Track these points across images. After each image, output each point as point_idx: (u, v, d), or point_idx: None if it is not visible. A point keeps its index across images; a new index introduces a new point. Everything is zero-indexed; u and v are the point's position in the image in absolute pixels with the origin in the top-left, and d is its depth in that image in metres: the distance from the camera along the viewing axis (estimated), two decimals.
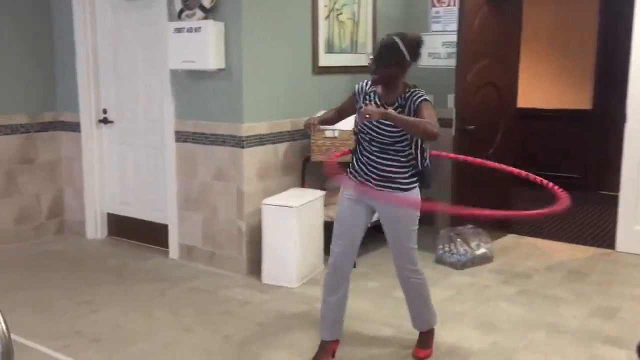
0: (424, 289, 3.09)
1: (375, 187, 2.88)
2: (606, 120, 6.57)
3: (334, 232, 3.03)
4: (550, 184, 2.94)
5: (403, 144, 2.82)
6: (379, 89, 2.91)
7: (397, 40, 2.77)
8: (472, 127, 4.68)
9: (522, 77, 6.90)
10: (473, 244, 4.57)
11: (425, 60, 5.47)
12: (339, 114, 3.16)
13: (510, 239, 5.21)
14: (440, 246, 4.60)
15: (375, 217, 3.04)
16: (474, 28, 4.61)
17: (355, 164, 2.96)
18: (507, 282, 4.18)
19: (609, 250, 4.86)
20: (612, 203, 5.04)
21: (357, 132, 2.92)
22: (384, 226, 3.00)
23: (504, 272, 4.39)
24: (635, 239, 4.73)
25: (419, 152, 2.86)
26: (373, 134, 2.84)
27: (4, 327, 1.75)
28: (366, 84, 2.96)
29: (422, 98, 2.81)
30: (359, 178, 2.93)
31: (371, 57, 2.86)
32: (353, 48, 5.02)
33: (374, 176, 2.88)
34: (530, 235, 5.30)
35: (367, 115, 2.59)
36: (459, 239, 4.57)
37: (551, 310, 3.71)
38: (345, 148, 3.87)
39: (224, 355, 3.16)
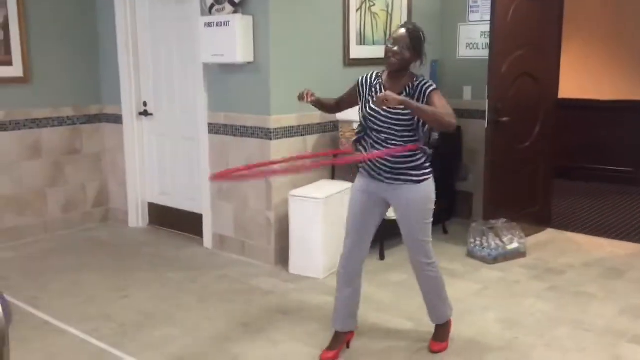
0: (439, 282, 3.07)
1: (386, 181, 2.88)
2: None
3: (346, 227, 3.04)
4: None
5: (411, 133, 2.80)
6: (385, 79, 2.89)
7: (421, 31, 2.89)
8: (506, 119, 4.57)
9: (570, 67, 6.70)
10: (505, 239, 4.48)
11: (462, 51, 5.39)
12: (338, 105, 3.17)
13: (548, 233, 5.08)
14: (472, 240, 4.54)
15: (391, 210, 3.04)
16: (508, 17, 4.49)
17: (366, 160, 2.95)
18: (538, 278, 4.09)
19: None
20: None
21: (365, 122, 2.91)
22: (398, 219, 2.99)
23: (537, 267, 4.29)
24: None
25: (421, 133, 2.82)
26: (383, 123, 2.82)
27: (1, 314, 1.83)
28: (371, 77, 2.96)
29: (432, 87, 2.79)
30: (371, 172, 2.92)
31: (392, 41, 2.84)
32: (386, 40, 4.97)
33: (384, 168, 2.87)
34: (570, 231, 5.15)
35: (386, 101, 2.59)
36: (491, 233, 4.49)
37: (579, 307, 3.61)
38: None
39: (242, 342, 3.23)
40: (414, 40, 2.82)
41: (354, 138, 3.03)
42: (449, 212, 5.25)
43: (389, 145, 2.83)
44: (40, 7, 4.95)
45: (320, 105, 3.17)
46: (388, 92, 2.64)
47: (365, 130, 2.92)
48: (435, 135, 2.92)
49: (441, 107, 2.71)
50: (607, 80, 6.94)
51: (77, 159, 5.35)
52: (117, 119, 5.34)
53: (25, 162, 5.01)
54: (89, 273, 4.28)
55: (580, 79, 6.98)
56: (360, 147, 2.96)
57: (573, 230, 5.15)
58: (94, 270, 4.33)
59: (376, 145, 2.87)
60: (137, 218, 5.40)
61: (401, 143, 2.82)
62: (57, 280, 4.12)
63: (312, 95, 3.01)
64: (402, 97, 2.66)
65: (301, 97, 3.01)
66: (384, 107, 2.74)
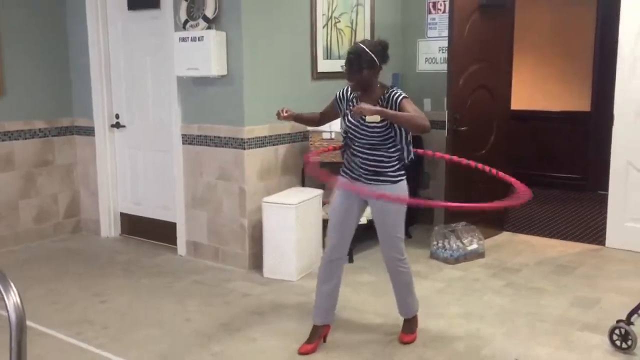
0: (409, 278, 3.32)
1: (366, 181, 3.12)
2: (604, 122, 6.71)
3: (328, 226, 3.27)
4: (513, 179, 3.15)
5: (389, 141, 3.06)
6: (359, 94, 3.14)
7: (363, 46, 3.03)
8: (464, 128, 4.89)
9: (523, 80, 7.13)
10: (466, 240, 4.77)
11: (422, 65, 5.71)
12: (322, 118, 3.43)
13: (504, 236, 5.41)
14: (435, 242, 4.81)
15: (367, 214, 3.28)
16: (464, 34, 4.83)
17: (347, 163, 3.20)
18: (496, 276, 4.39)
19: (599, 247, 5.04)
20: (607, 202, 5.20)
21: (345, 134, 3.16)
22: (374, 216, 3.24)
23: (494, 266, 4.59)
24: (623, 235, 4.90)
25: (404, 145, 3.09)
26: (361, 134, 3.07)
27: (19, 301, 1.98)
28: (346, 90, 3.21)
29: (402, 96, 3.04)
30: (352, 174, 3.17)
31: (343, 66, 3.10)
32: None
33: (364, 172, 3.12)
34: (524, 233, 5.49)
35: (361, 112, 2.83)
36: (452, 235, 4.78)
37: (534, 301, 3.91)
38: (327, 146, 4.14)
39: (222, 340, 3.41)
40: (359, 60, 3.02)
41: (341, 149, 3.27)
42: (412, 218, 5.53)
43: (371, 155, 3.07)
44: (12, 20, 5.04)
45: (300, 119, 3.45)
46: (363, 104, 2.89)
47: (347, 142, 3.16)
48: (412, 155, 3.16)
49: (413, 111, 2.96)
50: (555, 93, 7.40)
51: (49, 171, 5.43)
52: (89, 131, 5.44)
53: None
54: (65, 281, 4.37)
55: (531, 91, 7.42)
56: (345, 156, 3.21)
57: (527, 233, 5.50)
58: (69, 279, 4.42)
59: (358, 155, 3.11)
60: (110, 228, 5.50)
61: (383, 153, 3.06)
62: (34, 289, 4.20)
63: (287, 111, 3.26)
64: (376, 107, 2.91)
65: (278, 115, 3.27)
66: (361, 120, 3.00)
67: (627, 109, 4.78)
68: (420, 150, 3.49)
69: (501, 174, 3.26)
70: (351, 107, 3.11)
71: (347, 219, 3.22)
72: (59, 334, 3.49)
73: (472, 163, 3.46)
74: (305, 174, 4.75)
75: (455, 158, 3.66)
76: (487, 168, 3.40)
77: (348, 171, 3.20)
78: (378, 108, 2.90)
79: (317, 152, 3.96)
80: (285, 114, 3.29)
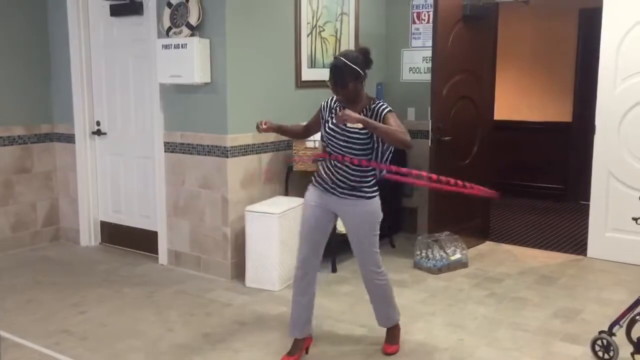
0: (387, 289, 3.29)
1: (340, 195, 3.09)
2: (585, 132, 6.79)
3: (300, 236, 3.23)
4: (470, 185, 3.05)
5: (367, 151, 3.03)
6: (343, 104, 3.12)
7: (344, 60, 2.99)
8: (447, 138, 4.90)
9: (506, 91, 7.19)
10: (449, 250, 4.77)
11: (406, 74, 5.73)
12: (307, 130, 3.39)
13: (487, 245, 5.42)
14: (418, 252, 4.81)
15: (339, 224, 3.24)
16: (447, 45, 4.85)
17: (322, 172, 3.15)
18: (479, 286, 4.39)
19: (580, 257, 5.07)
20: (588, 212, 5.24)
21: (325, 143, 3.14)
22: (348, 231, 3.20)
23: (477, 276, 4.59)
24: (604, 245, 4.94)
25: (379, 158, 3.06)
26: (341, 140, 3.04)
27: None
28: (331, 100, 3.18)
29: (387, 109, 3.03)
30: (325, 186, 3.13)
31: (327, 82, 3.07)
32: None
33: (340, 184, 3.08)
34: (507, 243, 5.51)
35: (345, 118, 2.80)
36: (435, 245, 4.78)
37: (516, 311, 3.91)
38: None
39: (203, 351, 3.36)
40: (342, 75, 2.98)
41: (317, 158, 3.23)
42: (396, 227, 5.53)
43: (350, 169, 3.04)
44: None
45: (282, 131, 3.40)
46: (347, 110, 2.86)
47: (325, 151, 3.14)
48: (383, 174, 3.13)
49: (396, 126, 2.94)
50: (537, 104, 7.46)
51: (28, 178, 5.34)
52: (69, 138, 5.37)
53: None
54: (44, 291, 4.28)
55: (514, 102, 7.48)
56: (320, 166, 3.18)
57: (509, 242, 5.52)
58: (48, 288, 4.34)
59: (335, 165, 3.08)
60: (89, 237, 5.42)
61: (361, 167, 3.03)
62: (10, 299, 4.12)
63: (267, 123, 3.20)
64: (360, 116, 2.89)
65: (258, 128, 3.21)
66: (342, 126, 2.97)
67: (608, 120, 4.82)
68: (393, 177, 3.29)
69: (463, 183, 3.11)
70: (333, 114, 3.09)
71: (318, 231, 3.18)
72: (36, 345, 3.41)
73: (445, 187, 3.23)
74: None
75: (429, 185, 3.44)
76: (452, 181, 3.19)
77: (322, 182, 3.16)
78: (362, 117, 2.88)
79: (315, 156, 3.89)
80: (264, 126, 3.20)
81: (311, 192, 3.23)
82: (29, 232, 5.38)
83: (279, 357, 3.22)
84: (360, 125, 2.93)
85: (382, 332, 3.40)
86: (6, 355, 3.26)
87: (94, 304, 4.04)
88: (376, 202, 3.13)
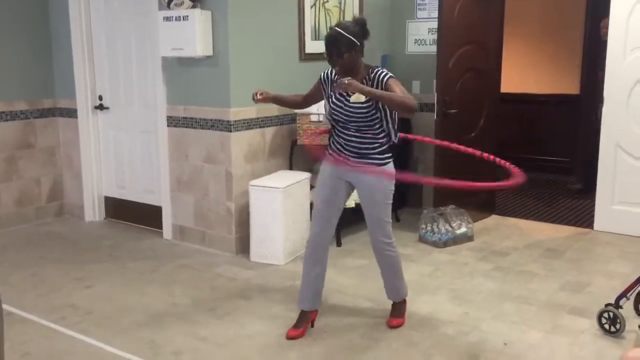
0: (397, 262, 3.28)
1: (353, 164, 3.06)
2: (593, 105, 6.70)
3: (313, 211, 3.21)
4: (507, 163, 3.08)
5: (374, 122, 2.99)
6: (342, 75, 3.06)
7: (339, 30, 2.94)
8: (454, 110, 4.84)
9: (513, 63, 7.08)
10: (454, 224, 4.74)
11: (411, 46, 5.64)
12: (306, 100, 3.35)
13: (492, 219, 5.39)
14: (423, 226, 4.78)
15: (355, 197, 3.21)
16: (454, 15, 4.76)
17: (333, 144, 3.13)
18: (485, 259, 4.36)
19: (587, 230, 5.04)
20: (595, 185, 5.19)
21: (330, 116, 3.09)
22: (361, 199, 3.18)
23: (483, 250, 4.57)
24: (611, 218, 4.90)
25: (390, 127, 3.02)
26: (346, 115, 3.00)
27: None
28: (331, 72, 3.13)
29: (388, 75, 2.97)
30: (338, 153, 3.10)
31: (324, 54, 3.02)
32: None
33: (350, 154, 3.05)
34: (513, 216, 5.48)
35: (346, 85, 2.75)
36: (441, 219, 4.75)
37: (523, 284, 3.89)
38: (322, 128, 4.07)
39: (209, 325, 3.36)
40: (338, 45, 2.93)
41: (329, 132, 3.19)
42: (401, 201, 5.49)
43: (357, 137, 3.00)
44: None
45: (279, 102, 3.37)
46: (350, 79, 2.80)
47: (333, 125, 3.09)
48: (397, 138, 3.10)
49: (400, 92, 2.89)
50: (545, 76, 7.35)
51: (31, 154, 5.31)
52: (71, 113, 5.32)
53: None
54: (48, 266, 4.29)
55: (521, 74, 7.37)
56: (332, 142, 3.14)
57: (515, 216, 5.48)
58: (53, 263, 4.34)
59: (344, 137, 3.04)
60: (94, 212, 5.41)
61: (368, 135, 3.00)
62: (16, 274, 4.12)
63: (262, 93, 3.17)
64: (365, 87, 2.84)
65: (253, 98, 3.18)
66: (345, 102, 2.93)
67: (616, 91, 4.75)
68: (410, 136, 3.39)
69: (498, 159, 3.18)
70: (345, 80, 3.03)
71: (332, 203, 3.16)
72: (42, 320, 3.42)
73: (462, 148, 3.38)
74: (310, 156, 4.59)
75: (446, 143, 3.54)
76: (479, 153, 3.31)
77: (335, 153, 3.13)
78: (366, 87, 2.83)
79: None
80: (259, 97, 3.18)
81: (325, 164, 3.20)
82: (34, 207, 5.37)
83: (284, 330, 3.23)
84: (362, 98, 2.88)
85: (388, 305, 3.39)
86: (12, 330, 3.26)
87: (98, 279, 4.04)
88: (389, 168, 3.09)
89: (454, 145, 3.43)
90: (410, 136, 3.52)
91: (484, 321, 3.36)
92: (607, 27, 4.76)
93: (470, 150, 3.37)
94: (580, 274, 4.06)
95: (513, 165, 3.03)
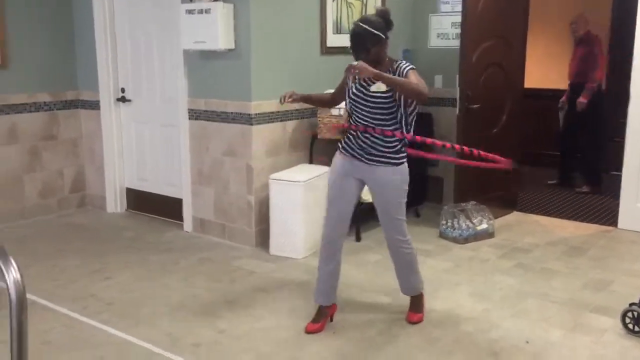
0: (412, 258, 3.25)
1: (367, 162, 3.04)
2: (620, 101, 6.58)
3: (326, 205, 3.19)
4: (490, 155, 3.12)
5: (392, 115, 2.96)
6: None
7: (364, 25, 2.92)
8: (476, 106, 4.78)
9: (535, 58, 6.97)
10: (475, 220, 4.70)
11: (434, 40, 5.58)
12: (334, 97, 3.34)
13: (514, 216, 5.33)
14: (444, 221, 4.74)
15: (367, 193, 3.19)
16: (478, 9, 4.70)
17: (348, 140, 3.11)
18: (506, 256, 4.32)
19: (610, 228, 4.96)
20: (620, 182, 5.10)
21: (349, 108, 3.07)
22: (374, 198, 3.16)
23: (504, 247, 4.52)
24: (636, 216, 4.81)
25: (404, 122, 2.99)
26: (366, 106, 2.97)
27: (19, 277, 1.93)
28: None
29: (409, 67, 2.95)
30: (352, 152, 3.08)
31: (350, 49, 2.99)
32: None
33: (366, 150, 3.03)
34: (535, 213, 5.41)
35: (355, 70, 2.72)
36: (462, 215, 4.71)
37: (545, 282, 3.84)
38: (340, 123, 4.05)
39: (228, 317, 3.37)
40: (363, 40, 2.91)
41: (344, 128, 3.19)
42: (421, 197, 5.46)
43: (374, 137, 2.98)
44: None
45: (310, 100, 3.36)
46: (361, 62, 2.77)
47: (350, 122, 3.08)
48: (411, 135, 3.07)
49: (416, 80, 2.86)
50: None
51: (54, 145, 5.37)
52: (94, 105, 5.37)
53: (2, 147, 5.01)
54: (69, 257, 4.33)
55: (545, 69, 7.26)
56: (345, 142, 3.12)
57: (537, 213, 5.42)
58: (74, 254, 4.39)
59: (362, 139, 3.02)
60: (115, 203, 5.46)
61: (386, 132, 2.96)
62: (37, 265, 4.17)
63: (292, 95, 3.16)
64: (374, 70, 2.77)
65: (281, 100, 3.17)
66: (365, 91, 2.90)
67: None
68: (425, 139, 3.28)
69: (483, 153, 3.13)
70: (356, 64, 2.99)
71: (344, 199, 3.14)
72: (64, 309, 3.46)
73: (458, 146, 3.32)
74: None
75: (448, 145, 3.39)
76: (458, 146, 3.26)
77: (348, 149, 3.11)
78: (377, 71, 2.77)
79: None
80: (289, 99, 3.17)
81: (338, 159, 3.18)
82: (56, 198, 5.43)
83: (303, 324, 3.22)
84: (383, 87, 2.86)
85: (406, 301, 3.37)
86: (35, 319, 3.30)
87: (119, 270, 4.07)
88: (403, 168, 3.06)
89: (448, 145, 3.28)
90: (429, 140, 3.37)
91: (504, 319, 3.33)
92: None
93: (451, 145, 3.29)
94: (603, 272, 4.00)
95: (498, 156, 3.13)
